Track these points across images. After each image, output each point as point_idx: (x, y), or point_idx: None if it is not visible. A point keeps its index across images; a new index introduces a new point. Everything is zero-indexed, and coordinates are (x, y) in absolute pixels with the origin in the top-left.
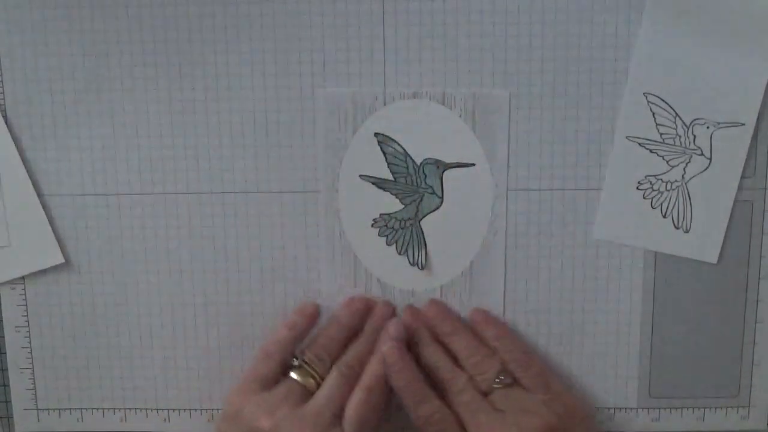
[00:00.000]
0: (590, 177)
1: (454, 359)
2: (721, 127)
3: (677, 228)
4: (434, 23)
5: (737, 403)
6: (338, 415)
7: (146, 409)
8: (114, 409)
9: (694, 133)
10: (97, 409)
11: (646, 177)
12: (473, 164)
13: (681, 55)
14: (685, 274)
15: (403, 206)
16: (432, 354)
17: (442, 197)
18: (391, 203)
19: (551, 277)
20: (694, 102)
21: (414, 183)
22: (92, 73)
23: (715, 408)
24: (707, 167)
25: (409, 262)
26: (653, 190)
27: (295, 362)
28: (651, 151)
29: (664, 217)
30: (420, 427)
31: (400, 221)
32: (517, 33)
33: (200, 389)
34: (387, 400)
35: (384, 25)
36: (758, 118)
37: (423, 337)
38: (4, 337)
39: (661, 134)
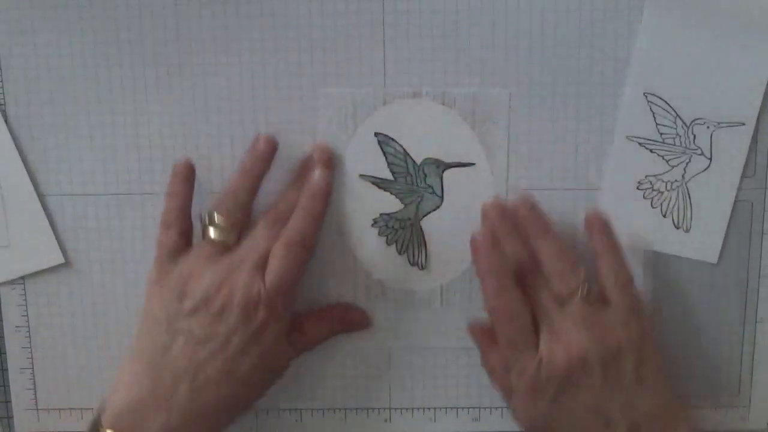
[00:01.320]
0: (590, 177)
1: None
2: (721, 127)
3: (677, 228)
4: (434, 23)
5: (737, 403)
6: (261, 266)
7: None
8: None
9: (694, 133)
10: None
11: (646, 177)
12: (473, 164)
13: (681, 55)
14: (685, 274)
15: (403, 206)
16: (515, 251)
17: (442, 197)
18: (391, 203)
19: None
20: (694, 102)
21: (414, 183)
22: (92, 72)
23: (715, 408)
24: (707, 167)
25: (410, 262)
26: (653, 190)
27: (205, 219)
28: (651, 151)
29: (664, 217)
30: (493, 318)
31: (400, 221)
32: (517, 33)
33: None
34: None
35: (384, 25)
36: (758, 118)
37: (507, 233)
38: (4, 337)
39: (661, 134)
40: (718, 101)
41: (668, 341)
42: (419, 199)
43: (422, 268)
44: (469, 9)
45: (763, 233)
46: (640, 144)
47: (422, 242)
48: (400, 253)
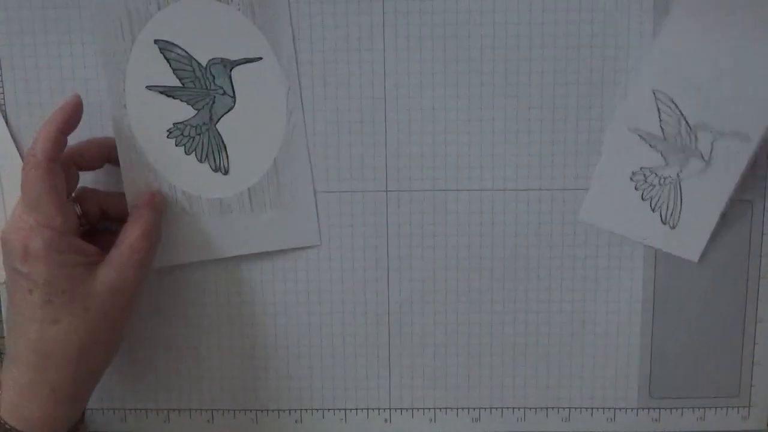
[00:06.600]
0: (590, 176)
1: None
2: (725, 137)
3: (664, 223)
4: (434, 23)
5: (737, 403)
6: None
7: (146, 409)
8: (114, 409)
9: (697, 137)
10: (98, 409)
11: (640, 169)
12: (260, 58)
13: (698, 60)
14: (685, 274)
15: (195, 111)
16: None
17: (234, 96)
18: (182, 110)
19: (551, 277)
20: (702, 108)
21: (203, 86)
22: (92, 73)
23: (715, 408)
24: (704, 171)
25: (212, 169)
26: (645, 183)
27: None
28: (650, 145)
29: (653, 210)
30: None
31: (196, 127)
32: (517, 33)
33: (200, 389)
34: None
35: (384, 26)
36: (764, 135)
37: None
38: (4, 337)
39: (663, 131)
40: (727, 112)
41: (668, 341)
42: (211, 102)
43: (226, 173)
44: (469, 8)
45: (763, 233)
46: (640, 137)
47: (222, 146)
48: (201, 161)
